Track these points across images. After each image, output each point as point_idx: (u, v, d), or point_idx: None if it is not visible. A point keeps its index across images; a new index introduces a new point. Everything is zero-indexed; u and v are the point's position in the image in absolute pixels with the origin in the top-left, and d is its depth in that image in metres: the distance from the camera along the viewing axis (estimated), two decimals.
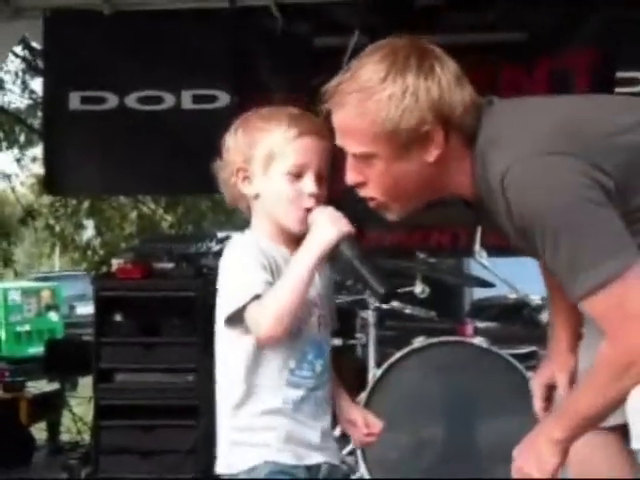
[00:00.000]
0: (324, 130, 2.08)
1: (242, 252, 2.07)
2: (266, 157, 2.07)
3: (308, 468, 2.09)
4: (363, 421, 2.24)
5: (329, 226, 2.00)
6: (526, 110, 1.91)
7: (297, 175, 2.07)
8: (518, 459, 1.90)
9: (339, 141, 1.93)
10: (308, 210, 2.07)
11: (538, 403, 2.24)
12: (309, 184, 2.07)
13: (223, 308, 2.05)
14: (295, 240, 2.11)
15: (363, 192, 1.95)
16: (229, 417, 2.10)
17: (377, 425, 2.26)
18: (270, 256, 2.06)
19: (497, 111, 1.90)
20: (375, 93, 1.82)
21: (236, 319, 2.03)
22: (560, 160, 1.73)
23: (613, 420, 1.95)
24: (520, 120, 1.86)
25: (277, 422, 2.06)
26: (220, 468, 2.11)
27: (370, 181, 1.92)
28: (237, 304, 2.01)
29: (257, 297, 1.98)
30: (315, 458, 2.10)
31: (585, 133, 1.80)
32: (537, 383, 2.25)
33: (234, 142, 2.13)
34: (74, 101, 5.38)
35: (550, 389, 2.24)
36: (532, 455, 1.85)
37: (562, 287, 1.80)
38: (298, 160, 2.06)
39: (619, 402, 1.80)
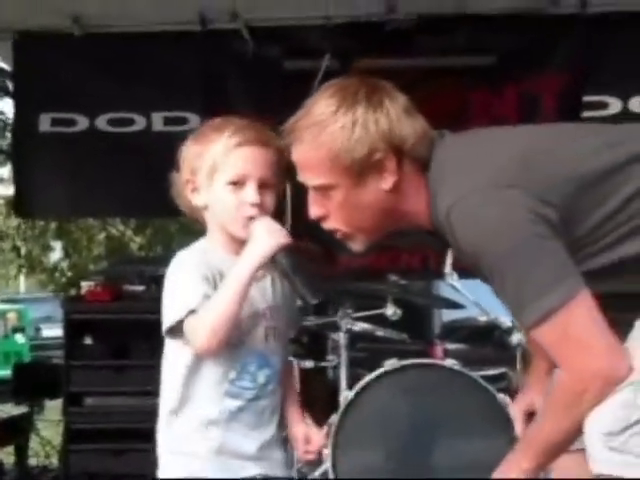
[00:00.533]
0: (270, 139, 2.12)
1: (184, 263, 2.09)
2: (210, 168, 2.10)
3: None
4: (304, 437, 2.26)
5: (266, 237, 2.04)
6: (475, 143, 1.97)
7: (239, 184, 2.10)
8: None
9: (300, 176, 1.99)
10: (251, 218, 2.10)
11: (519, 427, 2.28)
12: (250, 193, 2.10)
13: (164, 320, 2.08)
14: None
15: (326, 225, 2.01)
16: (165, 424, 2.13)
17: (316, 442, 2.27)
18: (215, 267, 2.08)
19: (448, 144, 1.97)
20: (328, 126, 1.90)
21: (176, 330, 2.05)
22: (503, 194, 1.78)
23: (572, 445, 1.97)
24: (467, 154, 1.92)
25: (211, 433, 2.09)
26: (158, 475, 2.14)
27: (331, 213, 1.98)
28: (175, 317, 2.03)
29: (193, 311, 2.01)
30: (249, 470, 2.12)
31: (532, 164, 1.84)
32: (517, 409, 2.28)
33: (185, 153, 2.16)
34: (44, 123, 5.37)
35: (530, 415, 2.27)
36: None
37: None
38: (238, 170, 2.09)
39: (579, 428, 1.84)
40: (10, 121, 10.81)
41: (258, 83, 5.27)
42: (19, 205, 5.83)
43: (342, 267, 5.16)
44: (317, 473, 4.11)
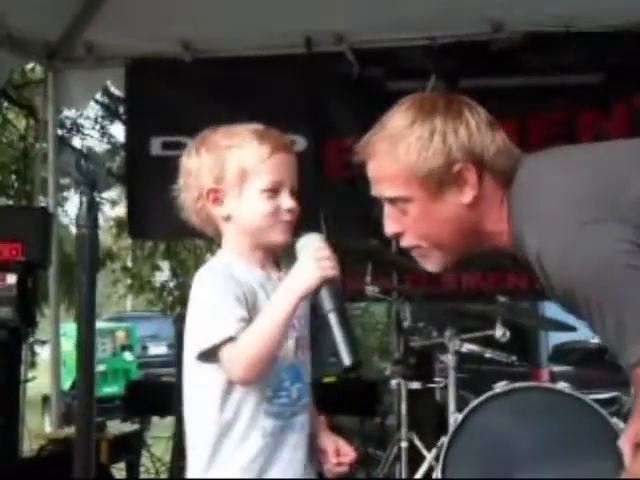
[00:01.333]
0: (289, 144, 2.11)
1: (214, 283, 2.01)
2: (239, 176, 2.03)
3: None
4: (334, 449, 2.15)
5: (312, 268, 1.94)
6: (556, 169, 1.88)
7: (274, 192, 2.05)
8: None
9: (374, 191, 1.94)
10: (287, 223, 2.06)
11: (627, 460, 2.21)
12: (286, 199, 2.05)
13: (195, 343, 2.00)
14: (269, 259, 2.10)
15: (403, 242, 1.95)
16: (205, 452, 2.03)
17: (348, 454, 2.15)
18: (245, 282, 2.02)
19: (531, 165, 1.89)
20: (404, 137, 1.85)
21: (209, 355, 1.98)
22: (594, 229, 1.70)
23: None
24: (549, 185, 1.83)
25: (255, 464, 2.01)
26: None
27: (408, 228, 1.92)
28: (210, 342, 1.96)
29: (231, 339, 1.94)
30: None
31: (616, 191, 1.76)
32: (627, 444, 2.21)
33: (198, 164, 2.07)
34: (155, 146, 5.52)
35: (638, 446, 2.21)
36: None
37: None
38: (274, 177, 2.04)
39: None
40: (119, 144, 11.20)
41: (362, 104, 5.29)
42: (132, 226, 6.01)
43: (449, 287, 5.13)
44: None
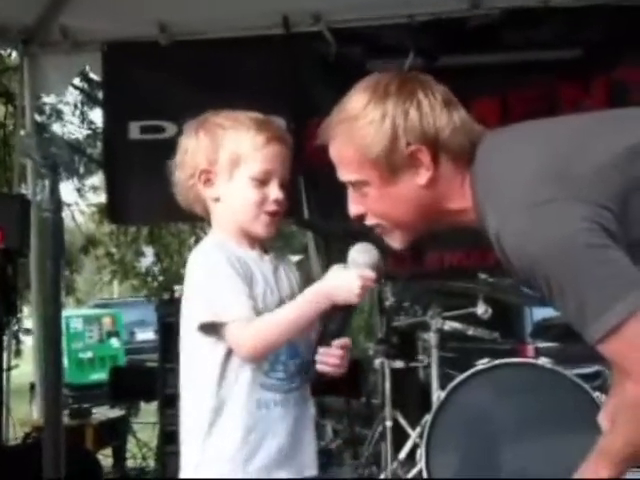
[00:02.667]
0: (286, 136, 2.13)
1: (218, 259, 2.03)
2: (232, 161, 2.07)
3: None
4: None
5: (355, 288, 1.99)
6: (515, 147, 1.86)
7: (263, 181, 2.08)
8: None
9: (338, 173, 1.95)
10: (272, 214, 2.09)
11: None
12: (274, 190, 2.08)
13: (197, 314, 2.03)
14: (257, 242, 2.12)
15: (367, 222, 1.96)
16: (202, 427, 2.05)
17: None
18: (241, 260, 2.05)
19: (490, 147, 1.88)
20: (357, 120, 1.85)
21: (211, 328, 2.02)
22: (552, 208, 1.69)
23: None
24: (509, 163, 1.82)
25: (250, 437, 2.03)
26: (185, 475, 2.08)
27: (368, 209, 1.93)
28: (217, 317, 2.00)
29: (239, 320, 1.98)
30: (275, 474, 2.05)
31: (575, 170, 1.74)
32: (605, 419, 2.22)
33: (195, 144, 2.11)
34: (134, 131, 5.48)
35: None
36: None
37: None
38: (265, 167, 2.07)
39: None
40: (100, 130, 11.13)
41: (341, 84, 5.23)
42: (112, 212, 5.98)
43: (431, 266, 5.13)
44: (411, 473, 4.11)
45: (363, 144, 1.85)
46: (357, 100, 1.88)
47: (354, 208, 1.95)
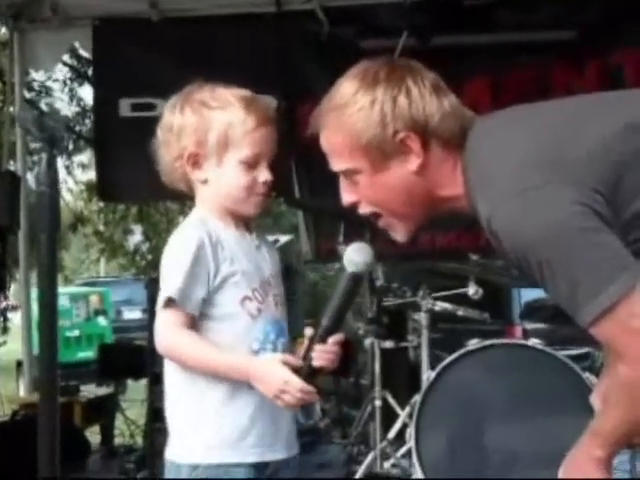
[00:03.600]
0: (273, 115, 2.11)
1: (189, 240, 2.02)
2: (221, 144, 2.04)
3: (258, 465, 2.04)
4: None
5: (272, 391, 1.96)
6: (505, 132, 1.86)
7: (252, 165, 2.06)
8: None
9: (330, 163, 1.94)
10: (262, 195, 2.08)
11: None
12: (264, 172, 2.07)
13: (160, 295, 2.03)
14: (241, 222, 2.11)
15: (360, 210, 1.95)
16: (191, 404, 2.05)
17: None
18: (222, 238, 2.04)
19: (481, 128, 1.88)
20: (347, 108, 1.85)
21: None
22: (542, 194, 1.70)
23: None
24: (499, 149, 1.82)
25: (241, 414, 2.02)
26: (169, 454, 2.08)
27: (361, 197, 1.93)
28: (162, 297, 2.01)
29: (170, 300, 1.98)
30: (268, 456, 2.05)
31: (569, 153, 1.74)
32: (598, 400, 2.23)
33: (181, 122, 2.06)
34: (124, 108, 5.45)
35: None
36: (578, 476, 1.85)
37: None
38: (255, 150, 2.05)
39: None
40: (89, 107, 11.07)
41: (334, 63, 5.24)
42: (101, 189, 5.96)
43: (422, 246, 5.13)
44: (400, 452, 4.13)
45: (353, 131, 1.84)
46: (346, 88, 1.87)
47: (347, 197, 1.94)
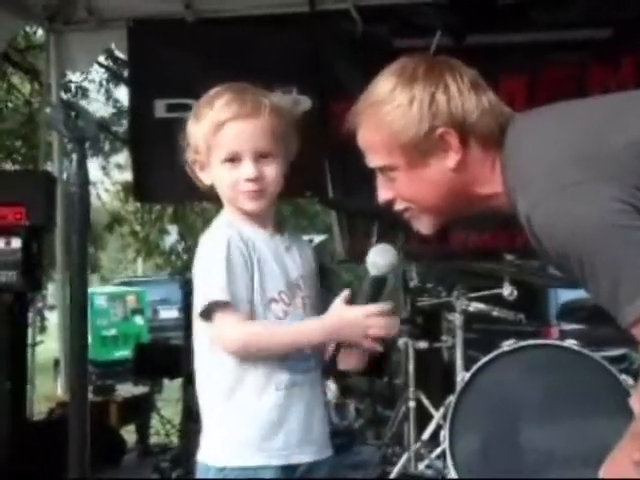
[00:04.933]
0: (256, 109, 2.05)
1: (222, 244, 2.01)
2: (208, 148, 2.05)
3: (286, 468, 2.03)
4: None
5: (359, 331, 1.98)
6: (545, 131, 1.84)
7: (235, 161, 2.04)
8: None
9: (366, 159, 1.93)
10: (250, 192, 2.05)
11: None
12: (245, 169, 2.04)
13: (196, 299, 2.03)
14: (267, 221, 2.10)
15: (396, 207, 1.95)
16: (217, 406, 2.05)
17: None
18: (248, 240, 2.04)
19: (519, 130, 1.86)
20: (385, 105, 1.84)
21: (210, 313, 2.01)
22: (582, 190, 1.68)
23: None
24: (538, 147, 1.80)
25: (268, 416, 2.01)
26: (200, 455, 2.08)
27: (398, 194, 1.92)
28: (205, 301, 1.99)
29: (218, 304, 1.97)
30: (298, 457, 2.04)
31: (609, 150, 1.72)
32: (637, 403, 2.20)
33: (189, 129, 2.10)
34: (160, 109, 5.49)
35: None
36: (618, 478, 1.83)
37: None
38: (230, 147, 2.03)
39: None
40: (125, 108, 11.16)
41: (368, 63, 5.22)
42: (138, 190, 6.00)
43: (457, 246, 5.11)
44: (434, 454, 4.11)
45: (391, 129, 1.84)
46: (384, 85, 1.86)
47: (383, 193, 1.94)
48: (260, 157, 2.05)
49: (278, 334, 2.03)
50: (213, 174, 2.08)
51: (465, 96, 1.83)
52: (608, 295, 1.67)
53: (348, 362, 2.05)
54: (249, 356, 2.01)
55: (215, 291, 1.99)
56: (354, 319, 2.00)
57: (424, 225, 1.96)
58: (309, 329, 2.04)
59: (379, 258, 2.02)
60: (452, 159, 1.85)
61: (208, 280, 2.01)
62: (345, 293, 2.04)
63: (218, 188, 2.09)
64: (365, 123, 1.88)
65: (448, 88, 1.83)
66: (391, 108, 1.83)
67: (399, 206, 1.94)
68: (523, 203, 1.75)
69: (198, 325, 2.07)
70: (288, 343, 2.02)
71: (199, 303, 2.01)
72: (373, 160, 1.91)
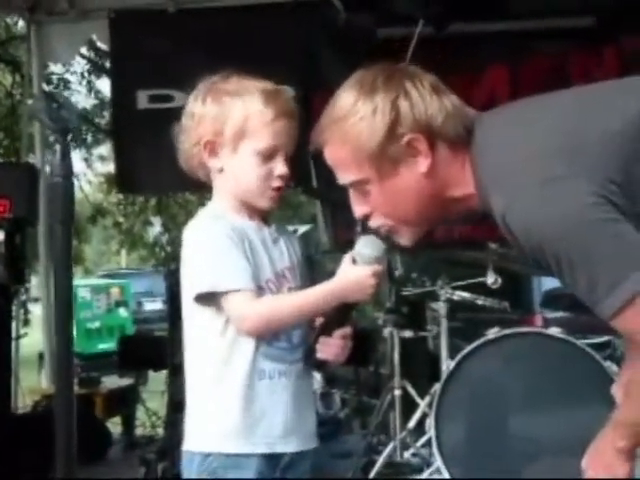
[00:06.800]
0: (295, 109, 2.09)
1: (214, 229, 2.03)
2: (237, 134, 2.04)
3: (270, 457, 2.04)
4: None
5: (367, 289, 2.01)
6: (512, 126, 1.84)
7: (268, 156, 2.05)
8: (589, 471, 1.90)
9: (337, 177, 1.91)
10: (277, 189, 2.07)
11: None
12: (280, 165, 2.06)
13: (194, 285, 2.02)
14: (257, 214, 2.11)
15: (372, 222, 1.93)
16: (203, 393, 2.06)
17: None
18: (242, 231, 2.05)
19: (489, 124, 1.85)
20: (348, 119, 1.82)
21: (208, 298, 2.01)
22: (557, 186, 1.67)
23: None
24: (508, 144, 1.80)
25: (253, 405, 2.02)
26: (185, 443, 2.08)
27: (374, 208, 1.90)
28: (214, 287, 1.99)
29: (238, 291, 1.98)
30: (283, 447, 2.05)
31: (580, 143, 1.72)
32: (619, 391, 2.22)
33: (202, 110, 2.07)
34: (142, 100, 5.47)
35: None
36: (602, 466, 1.87)
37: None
38: (272, 142, 2.04)
39: None
40: (107, 100, 11.11)
41: (351, 52, 5.23)
42: (121, 181, 5.98)
43: (441, 236, 5.12)
44: (420, 442, 4.12)
45: (358, 141, 1.82)
46: (345, 98, 1.84)
47: (359, 209, 1.91)
48: (286, 158, 2.08)
49: (291, 303, 2.04)
50: (233, 161, 2.06)
51: (427, 101, 1.81)
52: (586, 289, 1.67)
53: (327, 351, 2.05)
54: (269, 331, 2.02)
55: (225, 274, 1.99)
56: (358, 278, 2.01)
57: (404, 238, 1.94)
58: (317, 292, 2.05)
59: (365, 249, 2.02)
60: (422, 164, 1.83)
61: (213, 265, 2.00)
62: (349, 256, 2.04)
63: (233, 176, 2.08)
64: (331, 139, 1.86)
65: (409, 94, 1.81)
66: (355, 121, 1.81)
67: (376, 222, 1.92)
68: (497, 201, 1.74)
69: (189, 312, 2.07)
70: (302, 310, 2.03)
71: (202, 288, 2.01)
72: (344, 177, 1.88)
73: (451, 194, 1.87)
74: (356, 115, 1.81)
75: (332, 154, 1.88)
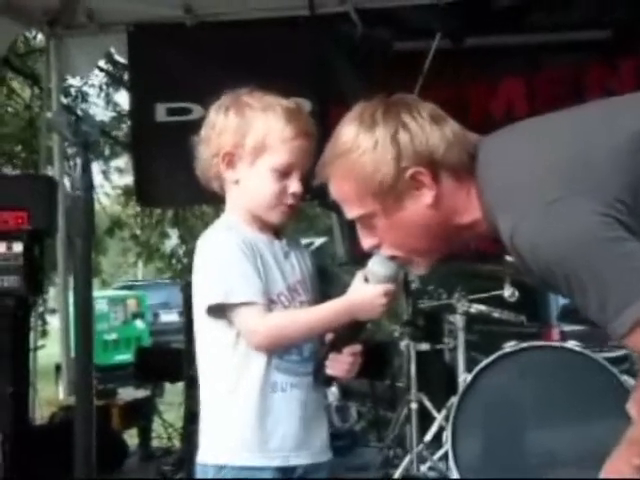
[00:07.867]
0: (314, 129, 2.10)
1: (226, 242, 2.04)
2: (257, 148, 2.05)
3: (284, 469, 2.04)
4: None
5: (377, 307, 2.01)
6: (518, 150, 1.83)
7: (284, 173, 2.07)
8: None
9: (344, 211, 1.91)
10: (290, 206, 2.08)
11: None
12: (295, 183, 2.07)
13: (206, 297, 2.03)
14: (269, 228, 2.12)
15: (383, 253, 1.93)
16: (215, 407, 2.07)
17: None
18: (253, 244, 2.06)
19: (490, 153, 1.84)
20: (351, 154, 1.82)
21: (219, 310, 2.02)
22: (565, 206, 1.66)
23: None
24: (513, 166, 1.78)
25: (266, 418, 2.02)
26: (199, 455, 2.09)
27: (382, 240, 1.90)
28: (226, 300, 2.00)
29: (249, 304, 1.99)
30: (293, 460, 2.06)
31: (587, 162, 1.71)
32: (634, 408, 2.20)
33: (224, 123, 2.09)
34: (160, 113, 5.50)
35: None
36: None
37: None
38: (289, 160, 2.06)
39: None
40: (124, 112, 11.17)
41: (368, 65, 5.25)
42: (139, 194, 6.00)
43: (457, 249, 5.11)
44: (437, 455, 4.11)
45: (362, 176, 1.81)
46: (347, 133, 1.84)
47: (366, 242, 1.91)
48: (302, 176, 2.09)
49: (301, 319, 2.06)
50: (249, 175, 2.08)
51: (427, 131, 1.81)
52: (597, 308, 1.66)
53: (337, 368, 2.05)
54: (279, 347, 2.03)
55: (237, 287, 2.00)
56: (369, 296, 2.01)
57: (418, 267, 1.95)
58: (328, 309, 2.06)
59: (377, 267, 2.00)
60: (427, 196, 1.82)
61: (225, 277, 2.01)
62: (361, 273, 2.04)
63: (247, 190, 2.09)
64: (334, 174, 1.86)
65: (407, 126, 1.80)
66: (357, 155, 1.81)
67: (386, 253, 1.92)
68: (504, 222, 1.73)
69: (201, 325, 2.08)
70: (312, 326, 2.04)
71: (213, 300, 2.02)
72: (350, 211, 1.88)
73: (459, 222, 1.86)
74: (357, 150, 1.81)
75: (336, 189, 1.88)
